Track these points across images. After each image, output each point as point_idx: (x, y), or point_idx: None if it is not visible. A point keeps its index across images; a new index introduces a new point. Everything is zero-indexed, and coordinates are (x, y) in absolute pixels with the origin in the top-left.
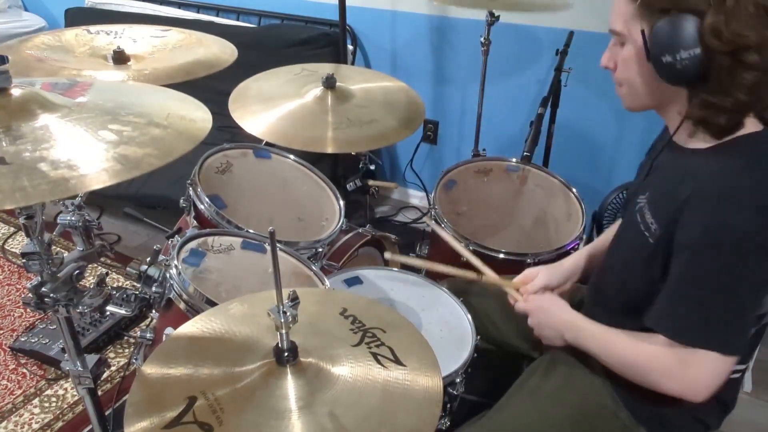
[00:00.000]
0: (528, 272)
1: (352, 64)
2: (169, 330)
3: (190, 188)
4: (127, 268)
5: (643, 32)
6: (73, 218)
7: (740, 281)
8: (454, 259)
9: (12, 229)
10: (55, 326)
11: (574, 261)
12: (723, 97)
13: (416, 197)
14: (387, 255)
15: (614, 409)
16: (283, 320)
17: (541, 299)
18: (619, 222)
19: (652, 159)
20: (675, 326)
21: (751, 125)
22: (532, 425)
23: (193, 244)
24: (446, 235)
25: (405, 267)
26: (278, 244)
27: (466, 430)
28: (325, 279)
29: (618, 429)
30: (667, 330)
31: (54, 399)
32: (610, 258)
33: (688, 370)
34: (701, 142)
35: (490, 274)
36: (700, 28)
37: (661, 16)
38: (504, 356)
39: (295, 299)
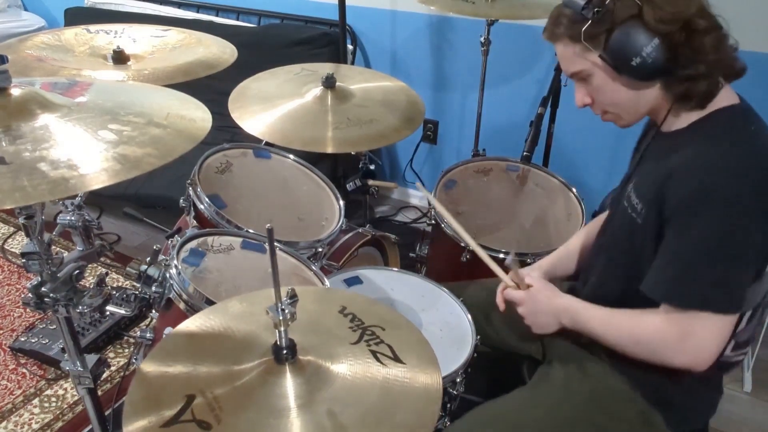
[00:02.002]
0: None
1: (352, 63)
2: (168, 330)
3: (190, 188)
4: (127, 268)
5: (601, 56)
6: (72, 218)
7: (730, 240)
8: (455, 258)
9: (12, 229)
10: (54, 326)
11: (558, 255)
12: (696, 65)
13: (416, 197)
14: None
15: (629, 394)
16: (281, 318)
17: (531, 286)
18: (599, 218)
19: (641, 151)
20: (670, 291)
21: (726, 97)
22: (546, 412)
23: (192, 244)
24: (454, 223)
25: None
26: (278, 244)
27: (473, 415)
28: (325, 279)
29: (634, 413)
30: (663, 295)
31: (54, 399)
32: (599, 250)
33: (690, 340)
34: (681, 123)
35: (491, 264)
36: (646, 24)
37: (606, 36)
38: (504, 357)
39: (293, 297)
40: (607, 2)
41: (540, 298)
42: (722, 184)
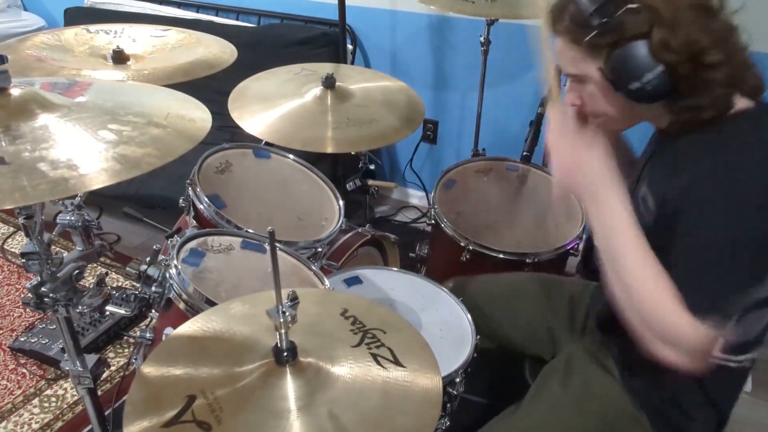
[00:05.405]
0: None
1: (352, 63)
2: (168, 330)
3: (190, 188)
4: (127, 268)
5: (600, 69)
6: (72, 218)
7: (740, 248)
8: (455, 258)
9: (12, 229)
10: (54, 326)
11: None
12: (700, 97)
13: (416, 197)
14: None
15: (635, 415)
16: (282, 320)
17: (583, 130)
18: None
19: (647, 155)
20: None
21: (741, 103)
22: None
23: (192, 244)
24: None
25: None
26: (278, 244)
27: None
28: (325, 279)
29: None
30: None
31: (54, 399)
32: None
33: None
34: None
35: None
36: (652, 48)
37: (610, 50)
38: (504, 356)
39: (294, 299)
40: (618, 13)
41: (584, 148)
42: (745, 196)
